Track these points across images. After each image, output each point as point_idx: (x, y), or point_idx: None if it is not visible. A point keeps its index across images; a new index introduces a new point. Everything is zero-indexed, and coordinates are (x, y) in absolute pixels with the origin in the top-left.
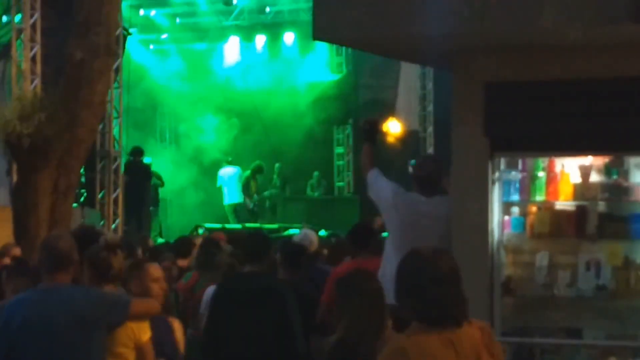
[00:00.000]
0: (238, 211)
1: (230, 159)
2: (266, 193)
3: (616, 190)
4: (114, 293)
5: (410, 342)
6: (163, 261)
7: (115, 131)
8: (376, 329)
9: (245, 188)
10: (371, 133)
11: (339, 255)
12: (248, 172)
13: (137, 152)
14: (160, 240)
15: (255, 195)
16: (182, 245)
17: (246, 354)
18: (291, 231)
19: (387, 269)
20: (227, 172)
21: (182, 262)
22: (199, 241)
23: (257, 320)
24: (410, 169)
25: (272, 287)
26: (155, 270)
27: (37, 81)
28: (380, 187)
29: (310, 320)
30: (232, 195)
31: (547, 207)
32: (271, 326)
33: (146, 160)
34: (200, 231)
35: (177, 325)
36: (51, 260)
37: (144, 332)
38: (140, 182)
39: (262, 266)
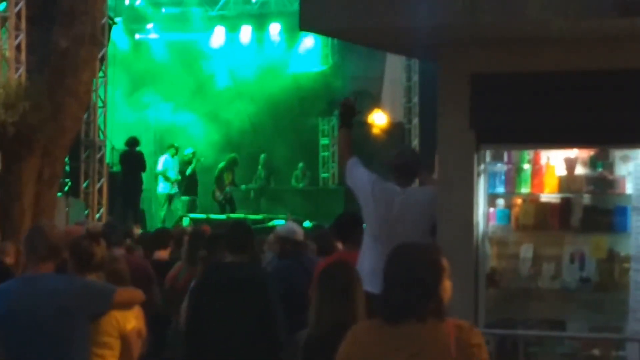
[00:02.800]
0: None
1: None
2: (251, 184)
3: (601, 182)
4: (97, 282)
5: (352, 331)
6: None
7: (100, 120)
8: (346, 322)
9: (218, 180)
10: (347, 116)
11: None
12: (222, 164)
13: (133, 143)
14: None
15: (227, 188)
16: (158, 238)
17: (228, 344)
18: (275, 222)
19: (365, 258)
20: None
21: (163, 254)
22: (174, 232)
23: (239, 310)
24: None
25: (254, 277)
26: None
27: (22, 70)
28: (359, 175)
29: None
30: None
31: (532, 200)
32: (253, 316)
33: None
34: (186, 221)
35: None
36: (42, 249)
37: (128, 321)
38: (135, 172)
39: (245, 256)
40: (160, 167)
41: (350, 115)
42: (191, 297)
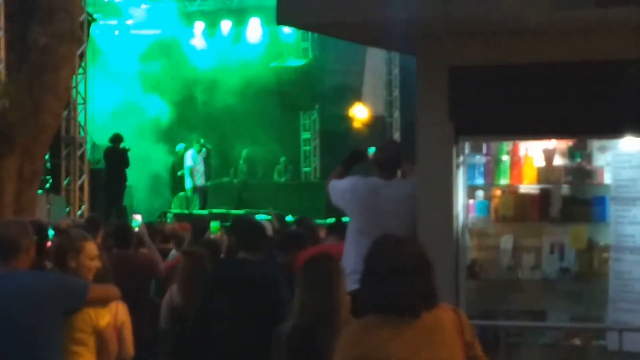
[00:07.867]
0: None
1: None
2: (235, 180)
3: (579, 173)
4: (71, 278)
5: (350, 329)
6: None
7: (80, 117)
8: (329, 312)
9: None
10: (352, 162)
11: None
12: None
13: (117, 139)
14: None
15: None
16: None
17: (235, 340)
18: (258, 217)
19: (350, 253)
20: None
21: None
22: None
23: (248, 307)
24: (370, 156)
25: (265, 274)
26: (92, 248)
27: (1, 67)
28: (339, 186)
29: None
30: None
31: (511, 191)
32: (262, 313)
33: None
34: (170, 217)
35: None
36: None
37: (102, 317)
38: (119, 169)
39: (257, 253)
40: (189, 162)
41: (355, 163)
42: (201, 292)
